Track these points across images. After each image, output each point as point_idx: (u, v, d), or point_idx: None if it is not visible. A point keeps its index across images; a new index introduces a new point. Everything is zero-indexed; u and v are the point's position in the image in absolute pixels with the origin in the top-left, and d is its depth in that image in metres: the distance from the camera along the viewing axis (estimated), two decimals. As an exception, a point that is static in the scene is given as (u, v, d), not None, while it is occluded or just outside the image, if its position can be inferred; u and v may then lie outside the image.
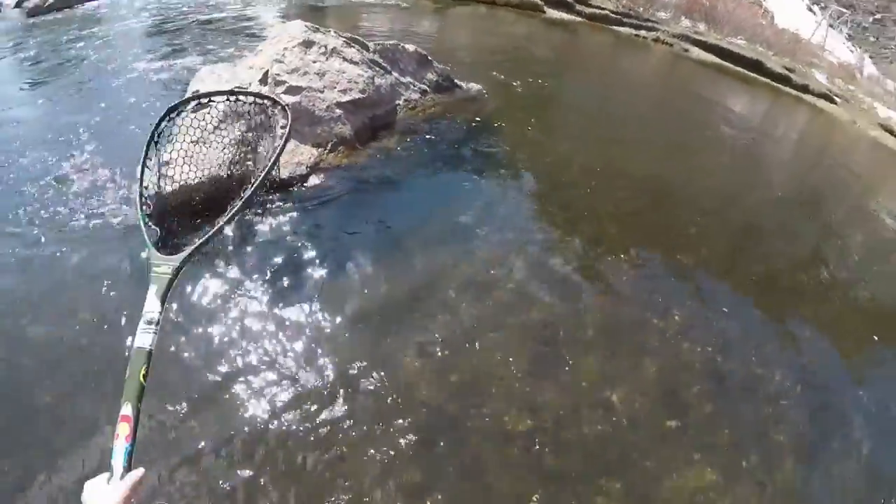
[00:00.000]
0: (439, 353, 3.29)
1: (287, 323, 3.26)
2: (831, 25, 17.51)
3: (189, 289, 3.31)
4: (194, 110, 2.99)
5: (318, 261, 3.66)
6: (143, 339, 1.63)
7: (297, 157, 4.26)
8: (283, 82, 4.50)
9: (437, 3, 12.25)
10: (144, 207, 2.37)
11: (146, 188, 2.51)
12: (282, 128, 3.05)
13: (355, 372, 3.06)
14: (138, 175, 2.44)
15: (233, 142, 3.64)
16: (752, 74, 13.72)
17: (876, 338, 4.69)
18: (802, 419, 3.56)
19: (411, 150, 4.89)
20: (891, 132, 13.02)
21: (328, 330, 3.27)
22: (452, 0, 12.54)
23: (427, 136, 5.21)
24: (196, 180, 3.44)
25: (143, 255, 2.04)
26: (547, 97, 7.56)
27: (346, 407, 2.89)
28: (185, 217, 3.28)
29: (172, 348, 2.99)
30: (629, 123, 7.74)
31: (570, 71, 9.75)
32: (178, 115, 2.85)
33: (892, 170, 12.08)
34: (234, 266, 3.51)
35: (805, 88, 13.45)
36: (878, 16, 19.27)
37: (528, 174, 5.15)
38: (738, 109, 11.33)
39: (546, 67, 9.23)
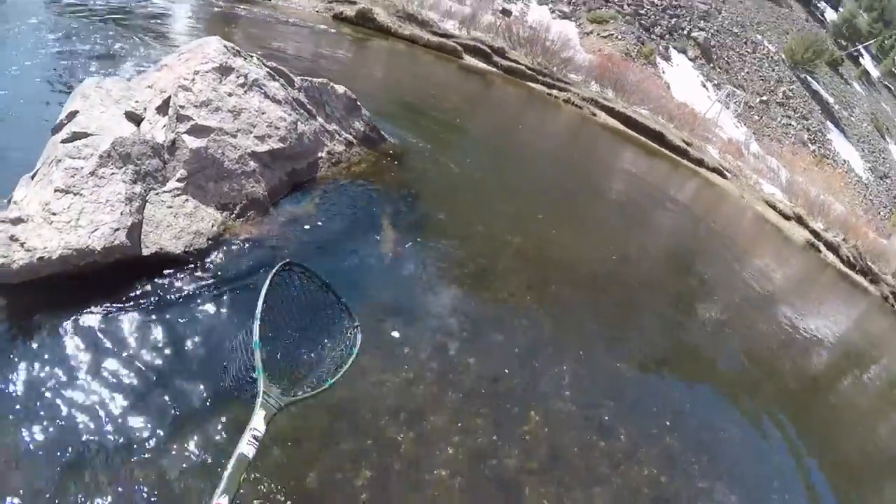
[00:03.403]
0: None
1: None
2: (722, 102, 18.88)
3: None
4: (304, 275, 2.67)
5: (205, 366, 2.68)
6: (248, 450, 1.86)
7: (195, 223, 3.21)
8: (188, 118, 3.54)
9: (356, 32, 11.65)
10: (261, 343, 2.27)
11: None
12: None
13: None
14: (258, 312, 2.27)
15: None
16: (654, 145, 14.31)
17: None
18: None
19: (334, 219, 3.96)
20: (773, 207, 14.05)
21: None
22: (372, 32, 12.04)
23: (352, 203, 4.32)
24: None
25: (255, 376, 2.13)
26: (469, 158, 7.04)
27: None
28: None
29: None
30: (546, 192, 7.64)
31: (488, 127, 9.42)
32: (289, 273, 2.58)
33: (770, 239, 13.07)
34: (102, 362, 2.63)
35: (700, 162, 14.14)
36: (764, 97, 21.06)
37: (457, 265, 4.38)
38: (640, 179, 11.58)
39: (466, 121, 8.82)
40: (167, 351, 2.69)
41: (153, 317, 2.78)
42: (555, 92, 13.94)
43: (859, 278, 13.64)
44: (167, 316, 2.81)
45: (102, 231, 2.82)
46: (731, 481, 3.86)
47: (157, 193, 3.24)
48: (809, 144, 20.87)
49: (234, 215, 3.45)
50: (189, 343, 2.76)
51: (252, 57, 4.28)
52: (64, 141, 3.27)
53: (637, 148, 13.74)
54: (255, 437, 1.90)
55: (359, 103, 5.28)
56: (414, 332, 3.55)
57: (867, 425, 6.61)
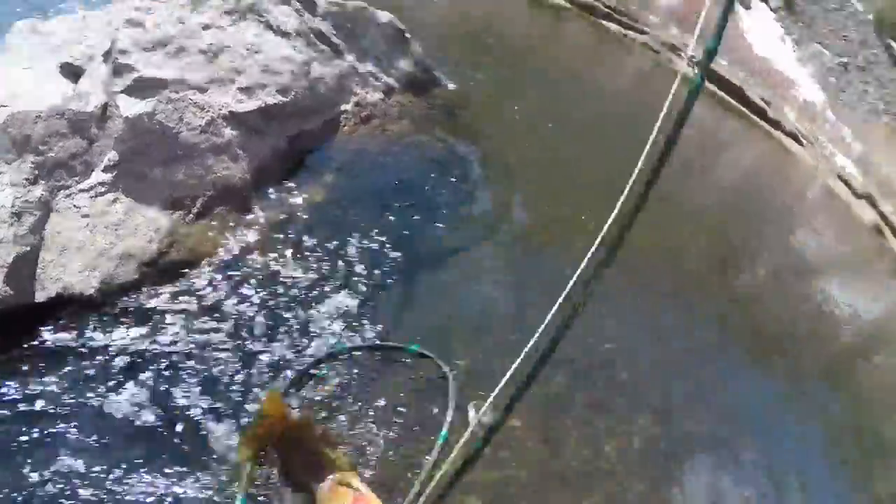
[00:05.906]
0: None
1: None
2: (803, 61, 16.47)
3: None
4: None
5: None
6: None
7: (123, 239, 1.97)
8: (129, 68, 2.18)
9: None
10: None
11: None
12: None
13: None
14: None
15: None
16: (730, 99, 12.48)
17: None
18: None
19: (352, 211, 2.64)
20: (846, 182, 12.26)
21: None
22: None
23: (382, 184, 2.96)
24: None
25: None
26: (538, 112, 5.62)
27: None
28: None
29: None
30: (617, 158, 6.20)
31: (558, 70, 7.89)
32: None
33: (837, 215, 11.46)
34: None
35: (777, 125, 12.29)
36: (844, 59, 18.38)
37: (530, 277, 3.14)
38: (710, 135, 10.19)
39: (534, 62, 7.40)
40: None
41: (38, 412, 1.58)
42: (631, 33, 12.06)
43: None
44: (62, 407, 1.61)
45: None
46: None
47: (69, 195, 1.95)
48: (883, 116, 18.23)
49: (189, 215, 2.15)
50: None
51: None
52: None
53: (713, 102, 11.99)
54: None
55: (407, 35, 3.77)
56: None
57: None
